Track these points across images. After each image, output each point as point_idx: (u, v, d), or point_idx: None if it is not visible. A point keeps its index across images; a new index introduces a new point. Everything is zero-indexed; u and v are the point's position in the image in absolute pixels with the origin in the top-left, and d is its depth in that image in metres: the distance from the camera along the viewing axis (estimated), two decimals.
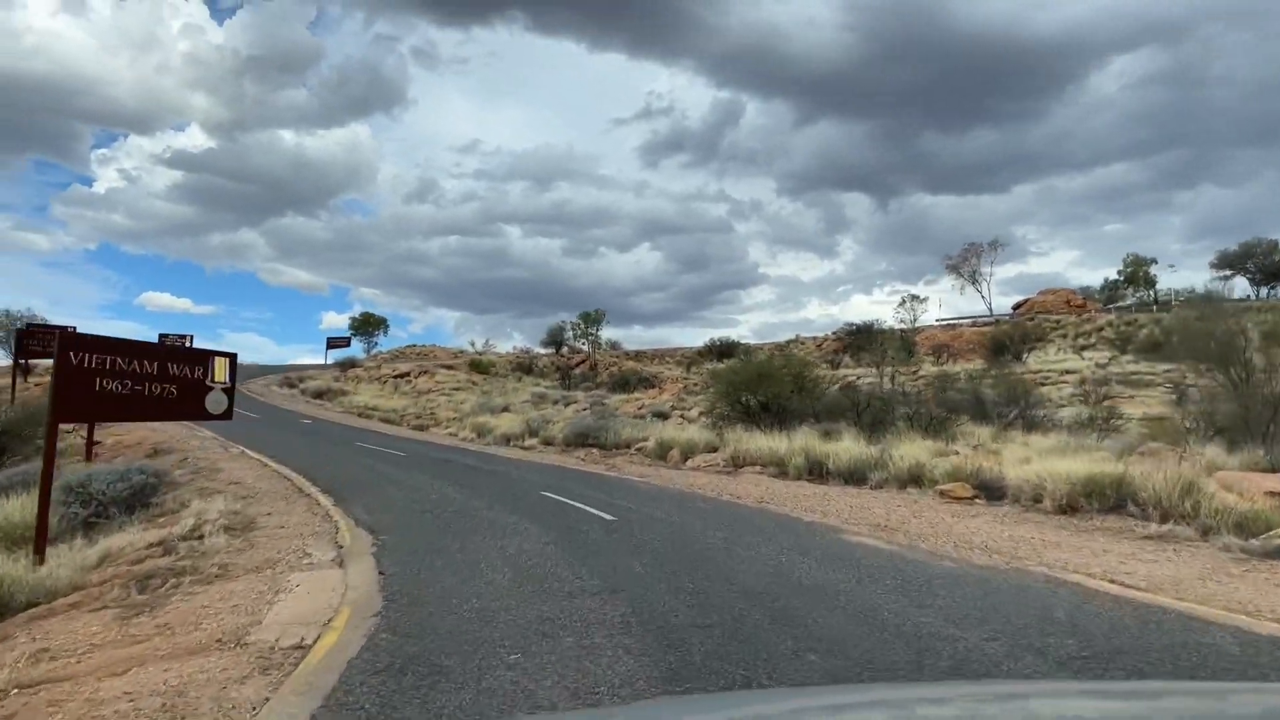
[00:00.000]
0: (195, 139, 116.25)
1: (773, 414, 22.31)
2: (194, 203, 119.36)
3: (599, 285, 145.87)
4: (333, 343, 74.22)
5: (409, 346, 79.93)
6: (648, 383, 56.75)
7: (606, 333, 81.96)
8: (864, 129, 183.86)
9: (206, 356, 12.06)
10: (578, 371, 64.79)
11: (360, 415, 39.23)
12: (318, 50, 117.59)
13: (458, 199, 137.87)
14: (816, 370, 29.07)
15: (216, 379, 12.08)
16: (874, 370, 46.39)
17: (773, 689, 4.68)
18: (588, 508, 12.31)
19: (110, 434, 23.82)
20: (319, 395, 46.81)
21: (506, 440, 27.46)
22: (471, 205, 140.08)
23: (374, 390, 52.13)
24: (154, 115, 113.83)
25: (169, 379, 11.38)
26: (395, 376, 57.21)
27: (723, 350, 78.96)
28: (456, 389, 52.72)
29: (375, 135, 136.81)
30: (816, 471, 16.35)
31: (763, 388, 23.25)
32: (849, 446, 16.79)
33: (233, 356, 12.46)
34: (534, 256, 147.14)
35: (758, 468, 17.85)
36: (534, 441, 26.46)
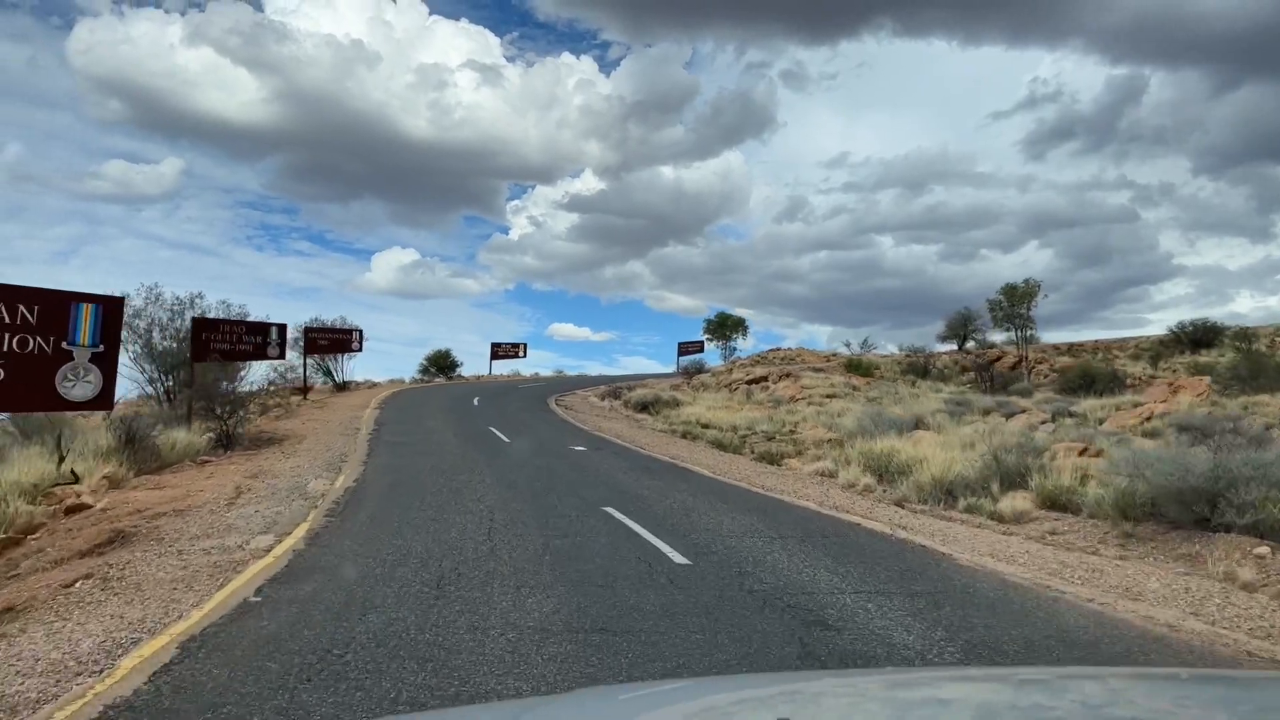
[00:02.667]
0: (588, 183, 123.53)
1: None
2: (589, 240, 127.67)
3: (981, 289, 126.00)
4: (685, 348, 63.80)
5: (772, 350, 66.92)
6: (1118, 382, 37.46)
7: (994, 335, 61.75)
8: None
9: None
10: (999, 370, 46.68)
11: (684, 435, 26.36)
12: (693, 87, 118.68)
13: (827, 213, 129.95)
14: None
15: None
16: None
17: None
18: None
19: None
20: (643, 408, 35.11)
21: (948, 494, 12.36)
22: (840, 219, 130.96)
23: (716, 399, 39.47)
24: (555, 166, 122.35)
25: None
26: (747, 382, 44.22)
27: (1199, 337, 55.91)
28: (830, 395, 38.13)
29: (746, 161, 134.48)
30: None
31: None
32: None
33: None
34: (908, 265, 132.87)
35: None
36: (1026, 503, 11.03)
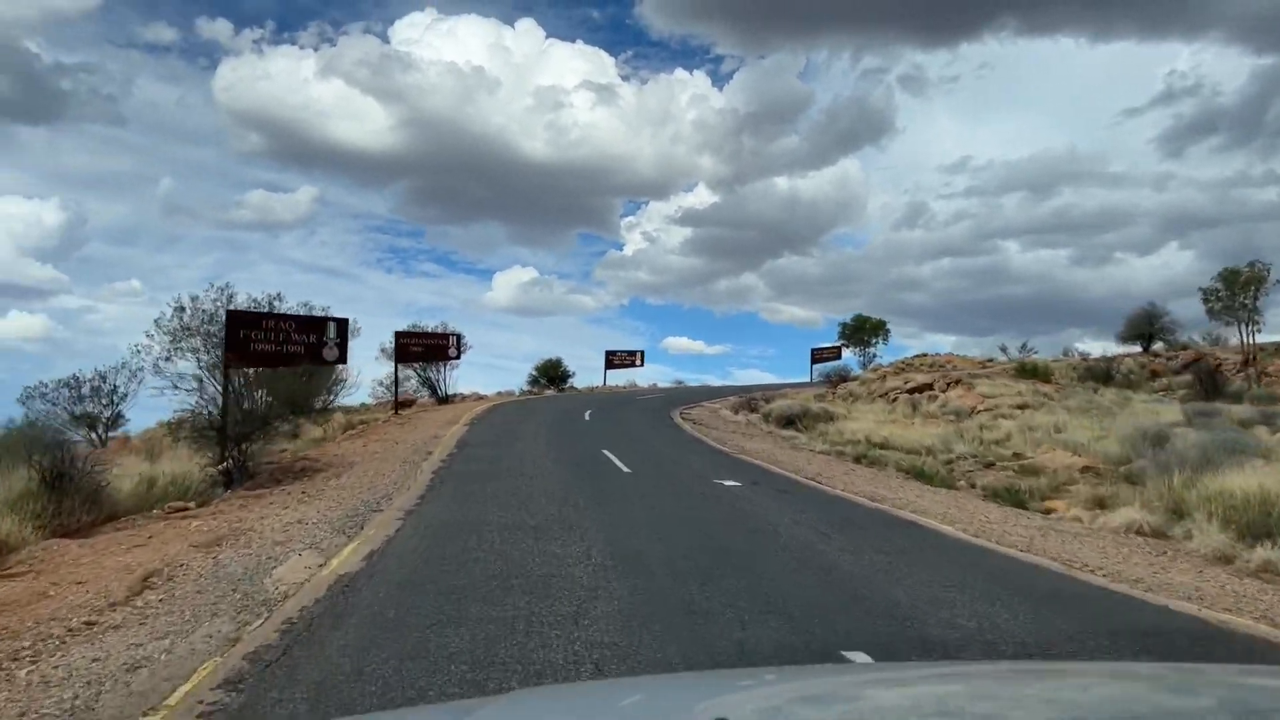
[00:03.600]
0: (701, 197, 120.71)
1: None
2: (702, 254, 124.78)
3: (1115, 294, 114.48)
4: (818, 355, 56.88)
5: (917, 356, 58.90)
6: None
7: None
8: None
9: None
10: (1225, 372, 37.77)
11: (857, 459, 19.84)
12: (808, 96, 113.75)
13: (948, 219, 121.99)
14: None
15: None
16: None
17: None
18: None
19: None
20: (788, 422, 28.59)
21: None
22: (963, 224, 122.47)
23: (876, 412, 32.58)
24: (669, 181, 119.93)
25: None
26: (908, 391, 37.00)
27: None
28: (1021, 405, 30.64)
29: (863, 168, 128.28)
30: None
31: None
32: None
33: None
34: (1035, 270, 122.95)
35: None
36: None
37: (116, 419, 32.44)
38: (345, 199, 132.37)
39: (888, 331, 59.75)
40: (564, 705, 1.96)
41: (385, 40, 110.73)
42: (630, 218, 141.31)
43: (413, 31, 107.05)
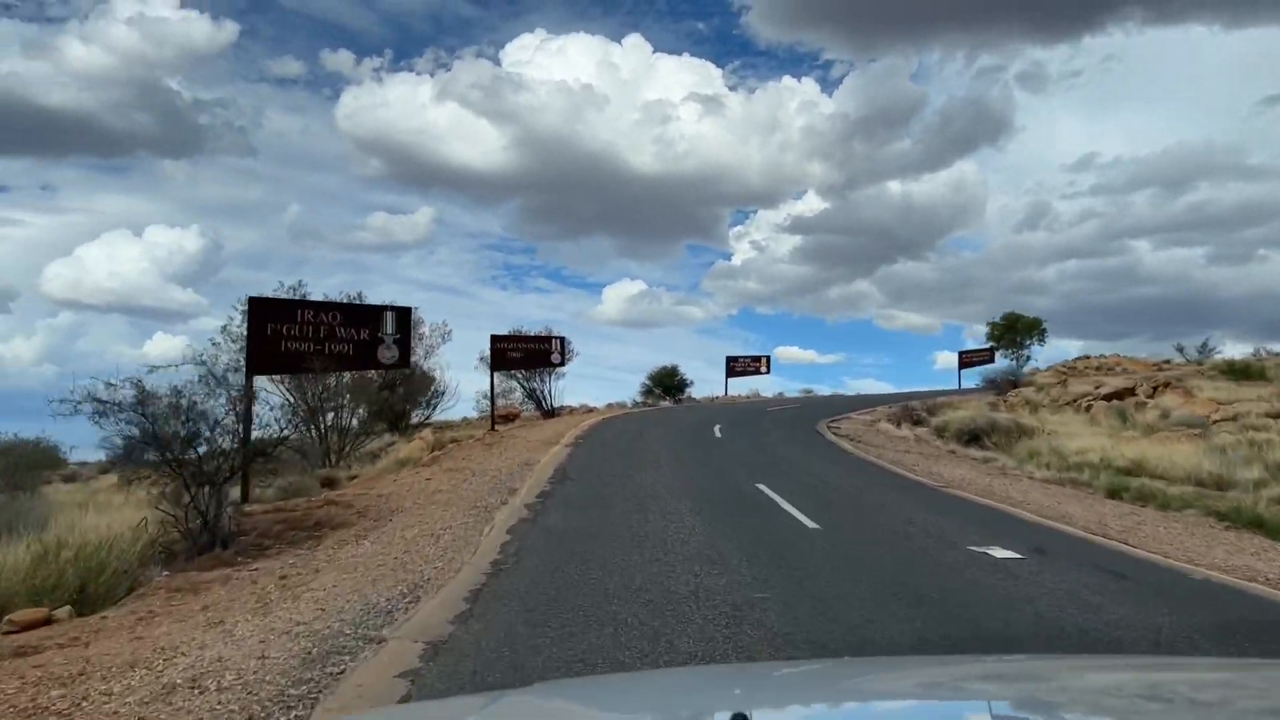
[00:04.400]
0: (811, 204, 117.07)
1: None
2: (812, 262, 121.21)
3: (1259, 293, 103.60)
4: (967, 359, 49.83)
5: (1080, 359, 50.67)
6: None
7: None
8: None
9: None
10: None
11: (1113, 494, 13.88)
12: (921, 99, 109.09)
13: (1073, 219, 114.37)
14: None
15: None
16: None
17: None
18: None
19: None
20: (972, 438, 22.60)
21: None
22: (1089, 224, 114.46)
23: (1076, 424, 26.10)
24: (777, 189, 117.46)
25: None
26: (1104, 397, 30.10)
27: None
28: (1274, 414, 23.63)
29: (981, 169, 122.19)
30: None
31: None
32: None
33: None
34: (1169, 270, 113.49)
35: None
36: None
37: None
38: (461, 218, 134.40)
39: (1043, 331, 52.00)
40: (586, 694, 1.95)
41: (497, 63, 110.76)
42: (739, 227, 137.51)
43: (523, 53, 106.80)
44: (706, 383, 49.56)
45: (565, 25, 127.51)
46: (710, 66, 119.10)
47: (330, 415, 24.25)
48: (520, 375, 33.68)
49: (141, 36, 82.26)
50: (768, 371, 48.77)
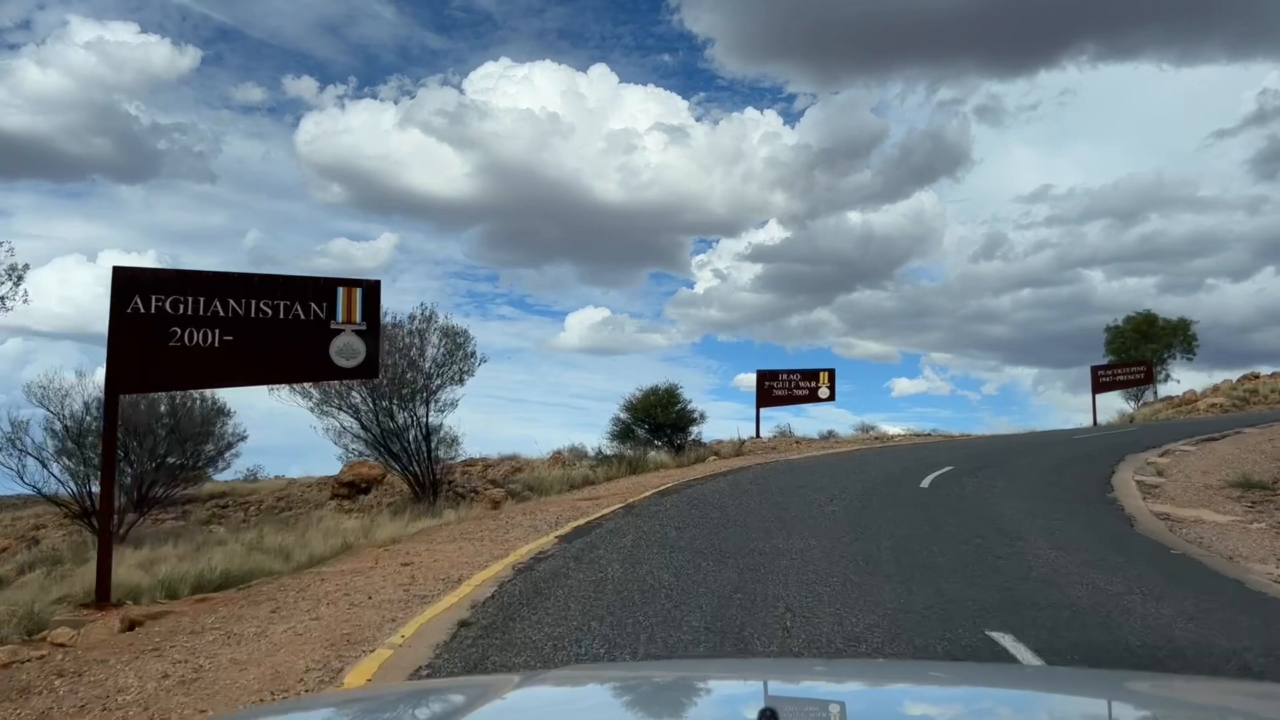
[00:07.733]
0: (772, 233, 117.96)
1: None
2: (773, 290, 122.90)
3: (1209, 323, 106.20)
4: (1104, 379, 34.15)
5: (1246, 376, 34.87)
6: None
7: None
8: None
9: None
10: None
11: None
12: (882, 130, 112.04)
13: (1028, 249, 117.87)
14: None
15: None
16: None
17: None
18: None
19: None
20: None
21: None
22: (1044, 254, 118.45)
23: None
24: (740, 218, 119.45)
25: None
26: None
27: None
28: None
29: (939, 200, 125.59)
30: None
31: None
32: None
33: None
34: (1122, 299, 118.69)
35: None
36: None
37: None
38: (424, 245, 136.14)
39: (1193, 337, 37.96)
40: (607, 677, 1.93)
41: (461, 90, 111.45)
42: (701, 256, 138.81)
43: (488, 81, 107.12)
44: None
45: (531, 54, 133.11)
46: (676, 98, 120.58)
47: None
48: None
49: (100, 60, 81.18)
50: (831, 398, 29.54)
